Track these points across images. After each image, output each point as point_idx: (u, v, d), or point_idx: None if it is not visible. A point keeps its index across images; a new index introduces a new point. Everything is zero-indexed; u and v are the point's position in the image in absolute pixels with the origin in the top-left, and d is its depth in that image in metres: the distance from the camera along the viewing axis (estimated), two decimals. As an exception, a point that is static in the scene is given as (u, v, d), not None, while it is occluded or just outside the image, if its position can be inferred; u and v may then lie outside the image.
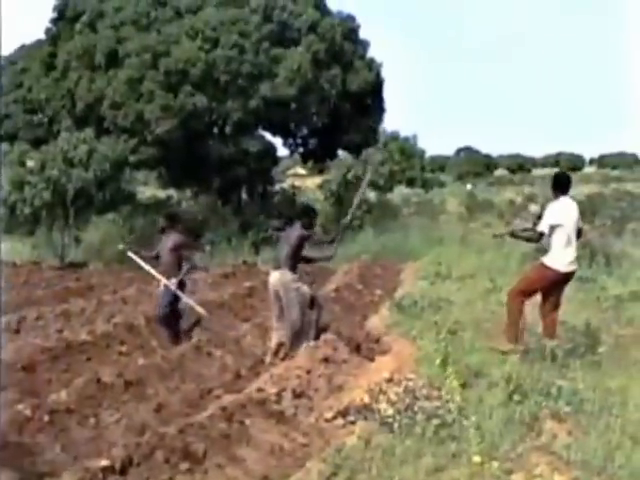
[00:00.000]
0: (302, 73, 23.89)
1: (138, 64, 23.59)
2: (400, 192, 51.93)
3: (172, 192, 32.15)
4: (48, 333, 11.34)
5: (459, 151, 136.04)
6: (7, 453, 6.13)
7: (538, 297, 9.40)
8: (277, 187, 31.06)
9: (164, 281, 10.54)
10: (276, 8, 25.40)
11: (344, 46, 26.51)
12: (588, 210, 23.11)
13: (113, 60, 24.35)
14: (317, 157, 30.76)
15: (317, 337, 9.85)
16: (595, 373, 7.99)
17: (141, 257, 11.21)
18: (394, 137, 60.25)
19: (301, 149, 29.92)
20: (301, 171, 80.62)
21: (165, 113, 23.16)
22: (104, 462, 5.53)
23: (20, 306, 13.50)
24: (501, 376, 7.34)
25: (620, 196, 40.58)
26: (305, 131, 28.94)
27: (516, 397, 6.93)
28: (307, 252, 10.46)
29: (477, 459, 5.50)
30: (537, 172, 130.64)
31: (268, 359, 9.81)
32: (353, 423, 6.71)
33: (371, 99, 28.29)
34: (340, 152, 31.88)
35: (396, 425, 6.37)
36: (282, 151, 32.12)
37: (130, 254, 11.30)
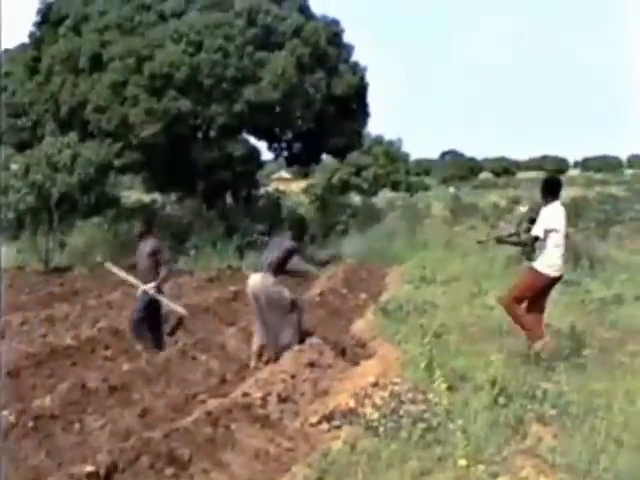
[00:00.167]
0: (286, 77, 23.85)
1: (122, 68, 23.51)
2: (385, 196, 52.12)
3: (157, 196, 32.09)
4: (32, 338, 11.29)
5: (444, 154, 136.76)
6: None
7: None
8: (262, 191, 31.02)
9: (142, 287, 10.52)
10: (260, 12, 25.35)
11: (328, 50, 26.49)
12: (572, 213, 23.18)
13: (97, 64, 24.24)
14: (302, 161, 30.71)
15: (301, 341, 9.85)
16: (580, 376, 8.02)
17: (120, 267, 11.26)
18: (378, 141, 60.72)
19: (286, 153, 29.86)
20: (286, 175, 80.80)
21: (149, 117, 23.09)
22: (89, 468, 5.51)
23: (4, 311, 13.45)
24: (486, 379, 7.34)
25: (604, 199, 40.79)
26: (289, 135, 28.89)
27: (501, 400, 6.94)
28: (292, 263, 10.44)
29: (463, 463, 5.51)
30: (522, 175, 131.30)
31: (253, 363, 9.81)
32: (339, 427, 6.71)
33: (355, 103, 28.27)
34: (325, 156, 31.95)
35: (382, 429, 6.38)
36: (267, 155, 32.06)
37: (108, 266, 11.34)
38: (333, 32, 27.36)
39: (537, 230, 8.94)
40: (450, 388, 7.32)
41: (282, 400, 7.57)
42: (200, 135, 25.42)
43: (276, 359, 9.49)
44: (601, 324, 11.28)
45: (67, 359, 10.01)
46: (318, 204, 28.99)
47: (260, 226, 24.33)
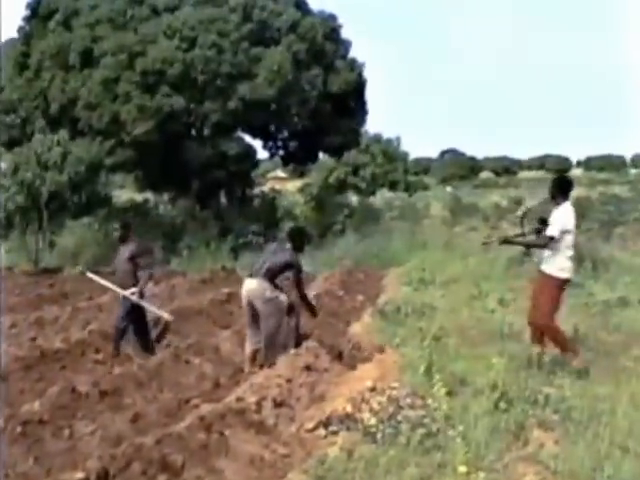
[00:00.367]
0: (282, 74, 23.87)
1: (114, 64, 23.52)
2: (383, 195, 52.19)
3: (149, 195, 32.08)
4: (21, 341, 11.27)
5: (443, 153, 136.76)
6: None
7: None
8: (257, 190, 31.04)
9: (122, 292, 10.51)
10: (256, 7, 25.37)
11: (325, 46, 26.51)
12: (575, 214, 23.27)
13: (88, 60, 24.25)
14: (298, 160, 30.73)
15: (298, 344, 9.84)
16: (583, 380, 8.02)
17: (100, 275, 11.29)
18: (376, 139, 60.78)
19: (281, 151, 29.86)
20: (281, 174, 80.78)
21: (141, 114, 23.09)
22: (79, 474, 5.49)
23: (4, 310, 13.45)
24: (487, 384, 7.33)
25: (607, 200, 40.75)
26: (285, 133, 28.90)
27: (502, 405, 6.94)
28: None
29: (463, 469, 5.49)
30: (523, 175, 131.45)
31: (247, 368, 9.80)
32: (335, 433, 6.69)
33: (353, 100, 28.27)
34: (321, 155, 31.95)
35: (379, 435, 6.36)
36: (262, 154, 32.11)
37: (89, 274, 11.36)
38: (330, 27, 27.38)
39: (553, 230, 8.82)
40: (450, 393, 7.31)
41: (277, 405, 7.56)
42: (194, 133, 25.46)
43: (265, 363, 9.48)
44: (604, 327, 11.29)
45: (57, 363, 9.99)
46: (314, 204, 29.00)
47: (255, 226, 24.33)
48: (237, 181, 27.75)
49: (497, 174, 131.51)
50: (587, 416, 6.73)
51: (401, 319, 11.84)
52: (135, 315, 10.55)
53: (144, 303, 10.60)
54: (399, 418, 6.63)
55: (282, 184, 53.31)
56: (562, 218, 8.89)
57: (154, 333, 10.96)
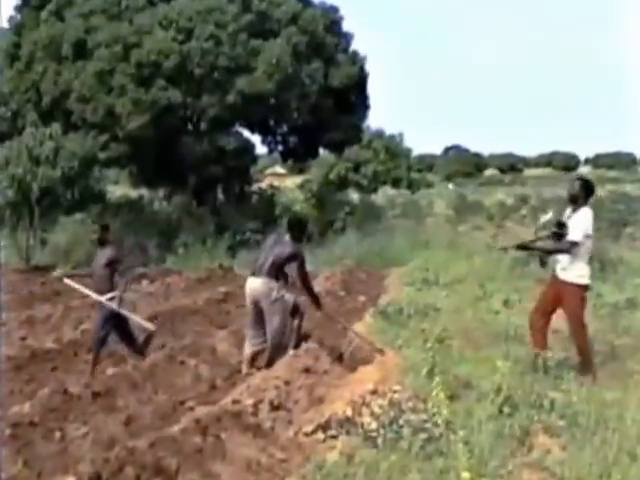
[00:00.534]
0: (282, 67, 23.85)
1: (108, 56, 23.50)
2: (385, 193, 52.08)
3: (144, 191, 32.08)
4: (12, 341, 11.27)
5: (447, 150, 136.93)
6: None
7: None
8: (255, 187, 31.06)
9: (101, 299, 10.33)
10: (255, -3, 25.38)
11: (326, 39, 26.52)
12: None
13: (81, 51, 24.23)
14: (297, 156, 30.75)
15: (297, 346, 9.83)
16: (590, 384, 8.01)
17: (79, 278, 11.19)
18: (379, 135, 60.81)
19: (280, 147, 29.87)
20: (280, 170, 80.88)
21: (136, 108, 23.07)
22: (70, 479, 5.49)
23: (4, 308, 13.45)
24: (491, 387, 7.33)
25: (617, 198, 40.67)
26: (285, 128, 28.90)
27: (506, 410, 6.93)
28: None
29: (466, 476, 5.49)
30: (529, 172, 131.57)
31: (245, 369, 9.78)
32: (335, 437, 6.69)
33: (355, 95, 28.28)
34: (321, 151, 31.96)
35: (380, 440, 6.36)
36: (260, 149, 32.13)
37: (66, 281, 11.30)
38: (331, 19, 27.40)
39: (577, 235, 8.70)
40: (453, 396, 7.31)
41: (275, 408, 7.55)
42: (190, 127, 25.45)
43: (270, 365, 9.46)
44: (613, 330, 11.29)
45: (48, 363, 10.01)
46: (314, 201, 28.99)
47: (253, 224, 24.32)
48: (235, 177, 27.76)
49: (503, 171, 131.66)
50: (594, 421, 6.72)
51: (403, 320, 11.85)
52: (115, 321, 10.31)
53: (123, 311, 10.35)
54: (401, 422, 6.62)
55: (281, 180, 53.39)
56: (584, 222, 8.76)
57: (142, 337, 10.76)
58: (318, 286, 16.47)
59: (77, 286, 10.92)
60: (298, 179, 53.00)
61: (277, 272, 9.74)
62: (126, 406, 8.13)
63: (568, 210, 9.03)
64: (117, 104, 23.29)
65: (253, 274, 9.86)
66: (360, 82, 28.17)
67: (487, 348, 9.85)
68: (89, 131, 24.35)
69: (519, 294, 13.51)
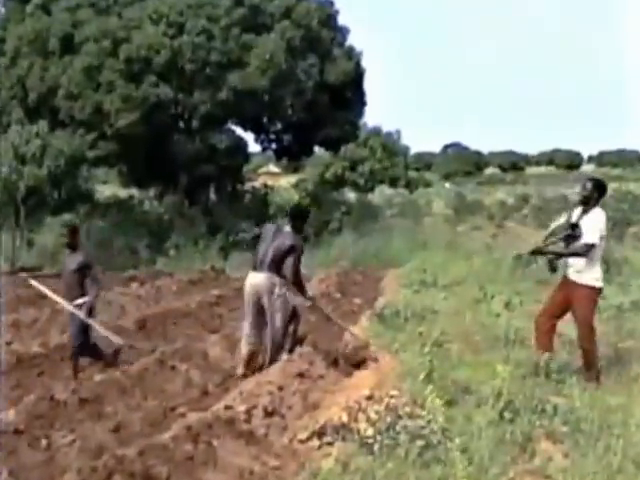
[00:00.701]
0: (275, 62, 23.87)
1: (96, 51, 23.50)
2: (382, 192, 52.16)
3: (134, 191, 32.08)
4: (-4, 345, 11.25)
5: (446, 147, 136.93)
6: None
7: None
8: (248, 186, 31.08)
9: (69, 307, 10.20)
10: (248, -9, 25.39)
11: (321, 33, 26.53)
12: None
13: (69, 46, 24.23)
14: (292, 154, 30.78)
15: (292, 350, 9.82)
16: (594, 389, 8.01)
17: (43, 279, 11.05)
18: (376, 132, 60.89)
19: (274, 145, 29.91)
20: (274, 169, 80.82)
21: (126, 105, 23.07)
22: (56, 488, 5.48)
23: (4, 310, 13.42)
24: (491, 392, 7.32)
25: (621, 197, 40.69)
26: (279, 125, 28.93)
27: (507, 415, 6.92)
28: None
29: (464, 483, 5.50)
30: (531, 170, 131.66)
31: (240, 370, 9.73)
32: (330, 444, 6.68)
33: (351, 91, 28.32)
34: (317, 149, 31.98)
35: (377, 446, 6.35)
36: (254, 147, 32.19)
37: (32, 282, 11.21)
38: (327, 13, 27.40)
39: (593, 238, 8.63)
40: (451, 402, 7.31)
41: (268, 414, 7.54)
42: (181, 125, 25.46)
43: (271, 363, 9.45)
44: (617, 333, 11.28)
45: (34, 368, 9.98)
46: (309, 201, 28.99)
47: (246, 224, 24.31)
48: (227, 176, 27.77)
49: (503, 170, 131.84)
50: (598, 427, 6.71)
51: (400, 323, 11.82)
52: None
53: (91, 321, 10.15)
54: (397, 428, 6.61)
55: (275, 179, 53.40)
56: (599, 224, 8.72)
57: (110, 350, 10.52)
58: (313, 288, 16.48)
59: (46, 291, 10.74)
60: (293, 178, 52.99)
61: (278, 266, 9.70)
62: (115, 413, 8.10)
63: (577, 211, 9.00)
64: (106, 101, 23.28)
65: (254, 268, 9.81)
66: (356, 78, 28.21)
67: (487, 352, 9.84)
68: (77, 129, 24.34)
69: (520, 296, 13.49)
